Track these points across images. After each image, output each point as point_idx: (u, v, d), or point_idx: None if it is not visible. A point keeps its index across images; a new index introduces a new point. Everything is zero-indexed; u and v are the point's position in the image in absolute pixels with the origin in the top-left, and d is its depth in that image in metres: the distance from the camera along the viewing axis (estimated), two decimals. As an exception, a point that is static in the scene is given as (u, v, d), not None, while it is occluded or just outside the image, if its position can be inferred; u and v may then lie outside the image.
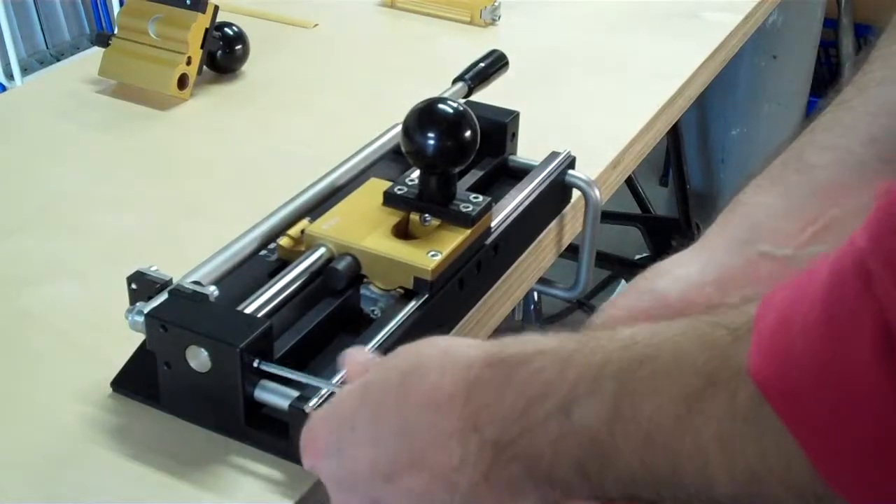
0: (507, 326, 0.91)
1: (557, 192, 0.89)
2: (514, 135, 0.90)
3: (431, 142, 0.71)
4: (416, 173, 0.76)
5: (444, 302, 0.72)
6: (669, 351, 0.40)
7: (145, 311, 0.63)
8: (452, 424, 0.45)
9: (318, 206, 0.78)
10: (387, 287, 0.72)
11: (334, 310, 0.70)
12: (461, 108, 0.72)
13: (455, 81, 0.91)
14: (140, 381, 0.67)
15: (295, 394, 0.61)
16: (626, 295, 0.57)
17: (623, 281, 2.27)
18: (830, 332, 0.34)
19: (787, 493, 0.36)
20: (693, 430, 0.38)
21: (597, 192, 0.88)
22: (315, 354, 0.68)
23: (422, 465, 0.46)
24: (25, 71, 2.66)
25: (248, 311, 0.66)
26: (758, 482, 0.37)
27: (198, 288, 0.65)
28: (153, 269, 0.67)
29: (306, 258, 0.72)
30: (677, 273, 0.56)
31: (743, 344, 0.37)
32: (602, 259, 2.01)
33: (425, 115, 0.72)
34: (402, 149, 0.73)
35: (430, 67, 1.18)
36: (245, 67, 1.17)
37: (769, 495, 0.37)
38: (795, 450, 0.35)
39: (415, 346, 0.49)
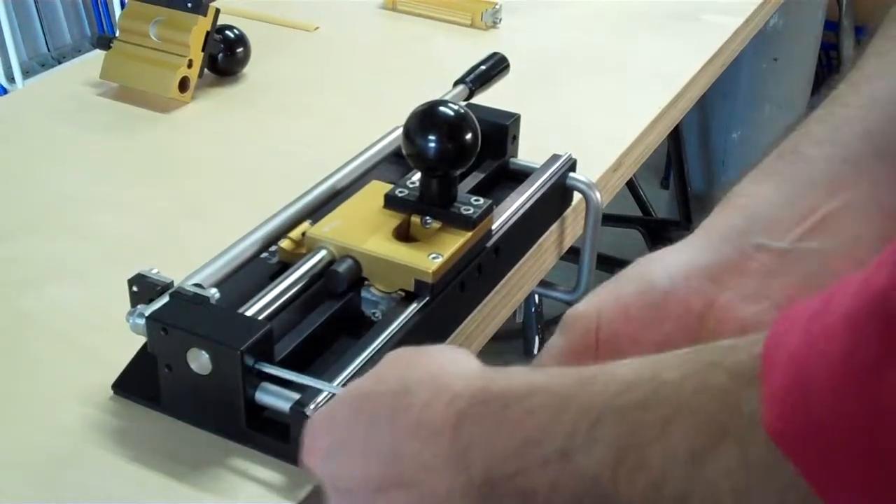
0: (508, 329, 0.91)
1: (558, 195, 0.89)
2: (515, 137, 0.90)
3: (432, 144, 0.71)
4: (416, 176, 0.76)
5: (445, 304, 0.72)
6: (673, 397, 0.38)
7: (146, 314, 0.63)
8: (440, 458, 0.44)
9: (319, 209, 0.78)
10: (388, 290, 0.72)
11: (335, 312, 0.70)
12: (462, 111, 0.72)
13: (456, 84, 0.91)
14: (141, 383, 0.67)
15: (296, 396, 0.61)
16: (615, 281, 0.56)
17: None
18: (854, 388, 0.32)
19: None
20: (705, 481, 0.36)
21: (598, 195, 0.88)
22: (316, 357, 0.68)
23: (410, 489, 0.45)
24: (27, 73, 2.66)
25: (249, 313, 0.66)
26: None
27: (199, 290, 0.65)
28: (154, 271, 0.67)
29: (307, 261, 0.72)
30: (668, 260, 0.55)
31: (752, 392, 0.35)
32: (603, 261, 2.00)
33: (426, 118, 0.72)
34: (403, 151, 0.73)
35: (430, 70, 1.18)
36: (246, 70, 1.17)
37: None
38: None
39: (403, 364, 0.48)
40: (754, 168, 0.57)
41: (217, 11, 1.11)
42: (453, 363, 0.47)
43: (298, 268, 0.71)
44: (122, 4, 2.74)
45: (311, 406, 0.60)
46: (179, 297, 0.65)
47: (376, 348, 0.66)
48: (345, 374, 0.63)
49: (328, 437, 0.50)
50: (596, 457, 0.39)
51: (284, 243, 0.76)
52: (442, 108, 0.72)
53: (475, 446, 0.43)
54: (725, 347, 0.38)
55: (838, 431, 0.32)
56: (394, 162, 0.85)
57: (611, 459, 0.39)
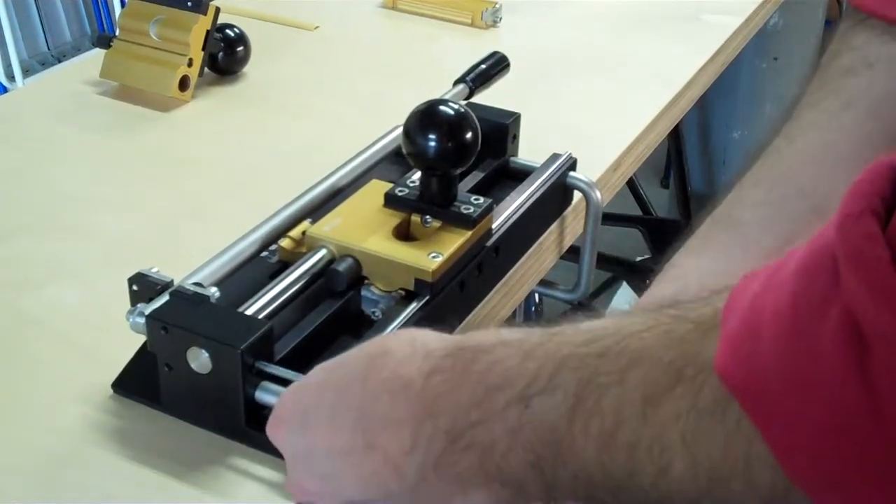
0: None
1: (558, 194, 0.89)
2: (516, 136, 0.90)
3: (432, 143, 0.71)
4: (417, 175, 0.76)
5: (444, 303, 0.72)
6: (635, 346, 0.39)
7: (146, 313, 0.63)
8: (407, 410, 0.45)
9: (320, 208, 0.78)
10: (388, 289, 0.72)
11: (335, 311, 0.70)
12: (462, 110, 0.72)
13: (456, 83, 0.91)
14: (141, 382, 0.67)
15: (296, 395, 0.61)
16: None
17: (624, 283, 2.27)
18: (796, 326, 0.33)
19: (751, 494, 0.35)
20: (656, 425, 0.37)
21: (598, 194, 0.88)
22: (316, 356, 0.68)
23: (374, 449, 0.46)
24: (27, 72, 2.66)
25: (249, 312, 0.66)
26: (721, 483, 0.36)
27: (199, 289, 0.65)
28: (154, 270, 0.67)
29: (307, 260, 0.72)
30: None
31: (710, 339, 0.36)
32: (603, 261, 2.01)
33: (426, 117, 0.72)
34: (404, 150, 0.73)
35: (431, 69, 1.18)
36: (246, 69, 1.17)
37: (731, 498, 0.36)
38: (761, 447, 0.34)
39: (387, 335, 0.51)
40: (691, 237, 0.57)
41: (217, 10, 1.11)
42: (434, 333, 0.48)
43: (298, 267, 0.71)
44: (123, 3, 2.74)
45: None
46: (179, 296, 0.65)
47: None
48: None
49: (295, 408, 0.51)
50: (554, 402, 0.40)
51: (284, 242, 0.76)
52: (442, 108, 0.72)
53: (443, 396, 0.44)
54: (691, 303, 0.39)
55: (781, 371, 0.33)
56: (394, 161, 0.85)
57: (568, 406, 0.40)
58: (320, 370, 0.51)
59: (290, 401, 0.52)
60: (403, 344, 0.47)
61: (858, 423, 0.31)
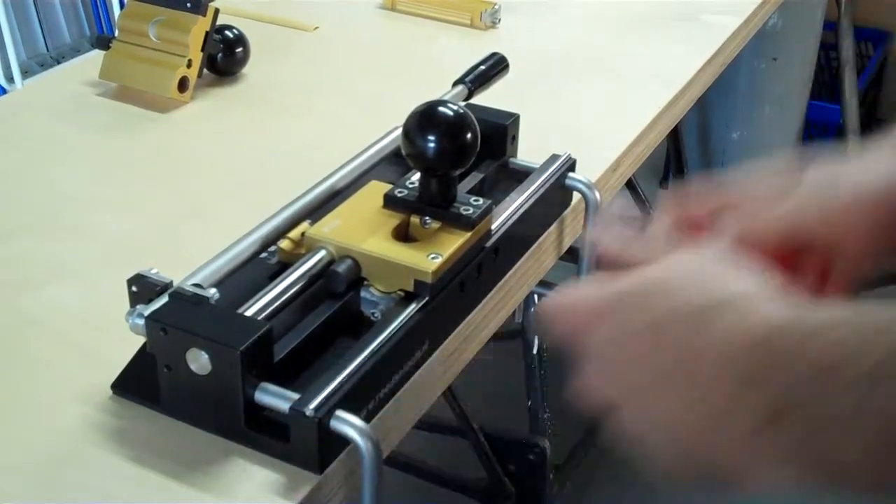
0: (508, 329, 0.91)
1: (558, 195, 0.89)
2: (515, 137, 0.90)
3: (432, 144, 0.71)
4: (416, 176, 0.76)
5: (444, 305, 0.72)
6: None
7: (146, 314, 0.63)
8: (736, 374, 0.45)
9: (319, 209, 0.78)
10: (387, 290, 0.72)
11: (334, 312, 0.70)
12: (461, 111, 0.72)
13: (455, 84, 0.91)
14: (140, 383, 0.67)
15: (295, 396, 0.61)
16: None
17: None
18: None
19: None
20: None
21: (597, 195, 0.88)
22: (315, 357, 0.68)
23: (693, 395, 0.46)
24: (26, 73, 2.66)
25: (248, 313, 0.66)
26: None
27: (198, 290, 0.65)
28: (153, 271, 0.67)
29: (306, 261, 0.72)
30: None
31: None
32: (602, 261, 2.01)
33: (425, 118, 0.72)
34: (403, 151, 0.73)
35: (430, 70, 1.19)
36: (245, 70, 1.17)
37: None
38: None
39: (708, 274, 0.49)
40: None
41: (216, 11, 1.11)
42: (752, 287, 0.48)
43: (297, 268, 0.71)
44: (122, 4, 2.74)
45: (311, 406, 0.60)
46: (179, 297, 0.65)
47: (376, 348, 0.65)
48: (344, 374, 0.63)
49: (611, 311, 0.51)
50: None
51: (284, 243, 0.76)
52: (441, 109, 0.72)
53: (772, 369, 0.44)
54: None
55: None
56: (393, 162, 0.85)
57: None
58: (648, 290, 0.50)
59: (613, 303, 0.51)
60: (730, 300, 0.47)
61: None
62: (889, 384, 0.40)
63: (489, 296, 0.80)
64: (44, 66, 2.76)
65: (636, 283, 0.51)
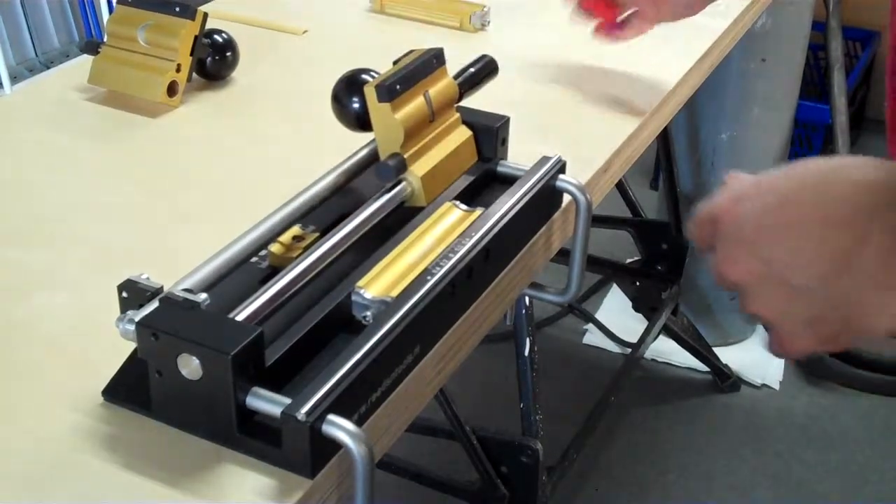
0: (500, 331, 0.91)
1: (548, 197, 0.89)
2: (505, 140, 0.90)
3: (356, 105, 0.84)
4: None
5: (436, 308, 0.72)
6: None
7: (136, 320, 0.63)
8: (868, 202, 0.52)
9: (309, 213, 0.78)
10: (379, 294, 0.72)
11: (326, 316, 0.70)
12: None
13: (445, 87, 0.91)
14: (131, 389, 0.67)
15: (287, 401, 0.61)
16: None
17: (614, 285, 2.27)
18: None
19: None
20: None
21: (587, 197, 0.89)
22: (307, 361, 0.68)
23: (830, 233, 0.53)
24: (14, 79, 2.66)
25: (239, 318, 0.66)
26: None
27: (189, 296, 0.65)
28: (144, 277, 0.67)
29: (297, 265, 0.72)
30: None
31: None
32: (593, 263, 2.01)
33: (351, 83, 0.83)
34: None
35: (419, 73, 1.18)
36: (235, 74, 1.17)
37: None
38: None
39: (826, 160, 0.57)
40: None
41: (205, 16, 1.11)
42: (872, 160, 0.55)
43: (289, 272, 0.71)
44: (111, 9, 2.73)
45: (303, 410, 0.60)
46: (169, 302, 0.65)
47: (367, 352, 0.65)
48: (336, 378, 0.63)
49: (757, 193, 0.58)
50: None
51: (274, 247, 0.76)
52: (363, 76, 0.84)
53: (884, 191, 0.52)
54: None
55: None
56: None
57: None
58: (779, 177, 0.58)
59: (752, 187, 0.59)
60: (850, 164, 0.55)
61: None
62: None
63: (480, 298, 0.80)
64: (32, 71, 2.75)
65: (758, 180, 0.59)
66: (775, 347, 0.60)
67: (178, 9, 1.10)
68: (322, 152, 0.91)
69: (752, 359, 2.22)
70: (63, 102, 1.12)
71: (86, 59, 1.15)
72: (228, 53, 1.15)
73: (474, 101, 0.92)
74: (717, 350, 2.19)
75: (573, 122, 1.09)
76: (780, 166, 0.58)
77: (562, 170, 0.89)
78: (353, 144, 0.86)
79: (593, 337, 2.31)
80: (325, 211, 0.81)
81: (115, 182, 0.97)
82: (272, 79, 1.19)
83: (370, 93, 0.81)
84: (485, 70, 0.93)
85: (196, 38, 1.11)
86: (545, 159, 0.88)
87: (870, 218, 0.52)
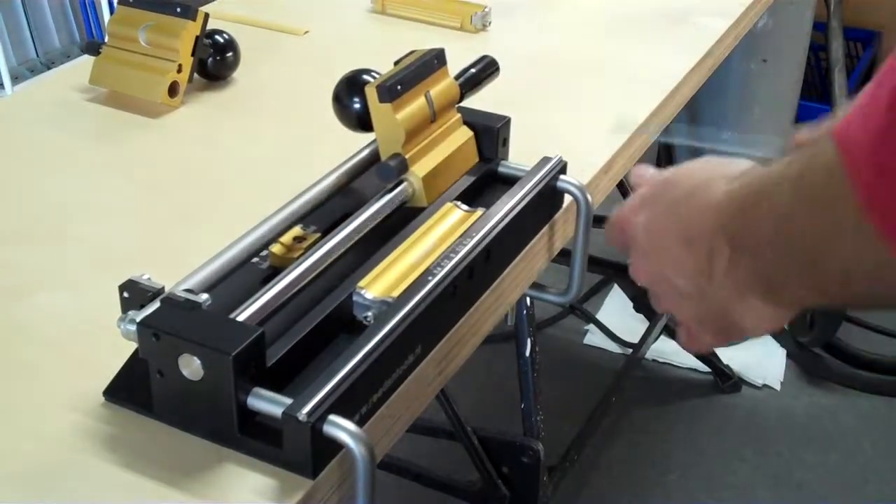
0: (501, 331, 0.91)
1: (549, 198, 0.89)
2: (506, 140, 0.90)
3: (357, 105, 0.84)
4: None
5: (437, 308, 0.72)
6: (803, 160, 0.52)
7: (137, 320, 0.63)
8: (711, 222, 0.59)
9: (310, 214, 0.79)
10: (380, 294, 0.72)
11: (327, 317, 0.70)
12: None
13: (446, 87, 0.91)
14: (133, 389, 0.67)
15: (288, 401, 0.61)
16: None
17: (615, 285, 2.27)
18: (876, 82, 0.46)
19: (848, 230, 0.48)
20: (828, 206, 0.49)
21: (588, 197, 0.89)
22: (308, 361, 0.68)
23: (692, 249, 0.61)
24: (16, 79, 2.66)
25: (240, 318, 0.66)
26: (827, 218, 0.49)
27: (190, 296, 0.65)
28: (145, 277, 0.67)
29: (298, 265, 0.72)
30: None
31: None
32: (594, 263, 2.01)
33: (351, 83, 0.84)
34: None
35: (420, 73, 1.18)
36: (236, 75, 1.17)
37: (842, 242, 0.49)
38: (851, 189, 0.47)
39: (709, 167, 0.63)
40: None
41: (206, 16, 1.11)
42: (737, 166, 0.61)
43: (290, 272, 0.71)
44: (112, 9, 2.73)
45: (304, 411, 0.60)
46: (170, 302, 0.65)
47: (368, 352, 0.65)
48: (337, 378, 0.63)
49: (643, 205, 0.66)
50: (781, 200, 0.53)
51: (275, 248, 0.76)
52: (364, 76, 0.84)
53: (725, 215, 0.58)
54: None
55: (860, 120, 0.47)
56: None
57: (789, 206, 0.52)
58: (663, 183, 0.66)
59: (640, 201, 0.67)
60: (720, 177, 0.60)
61: (890, 143, 0.44)
62: (778, 202, 0.53)
63: (481, 299, 0.80)
64: (34, 71, 2.76)
65: (655, 184, 0.66)
66: (682, 342, 0.68)
67: (179, 9, 1.10)
68: (323, 153, 0.91)
69: (754, 359, 2.22)
70: (64, 103, 1.12)
71: (87, 60, 1.15)
72: (229, 54, 1.15)
73: (475, 101, 0.92)
74: (717, 350, 2.19)
75: (574, 122, 1.09)
76: (678, 166, 0.66)
77: (563, 170, 0.89)
78: (354, 145, 0.86)
79: (594, 337, 2.31)
80: (326, 211, 0.81)
81: (116, 182, 0.97)
82: (273, 79, 1.19)
83: (371, 93, 0.81)
84: (486, 70, 0.93)
85: (197, 38, 1.11)
86: (546, 160, 0.88)
87: (715, 236, 0.58)
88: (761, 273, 0.57)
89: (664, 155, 2.12)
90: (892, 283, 0.49)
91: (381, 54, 1.26)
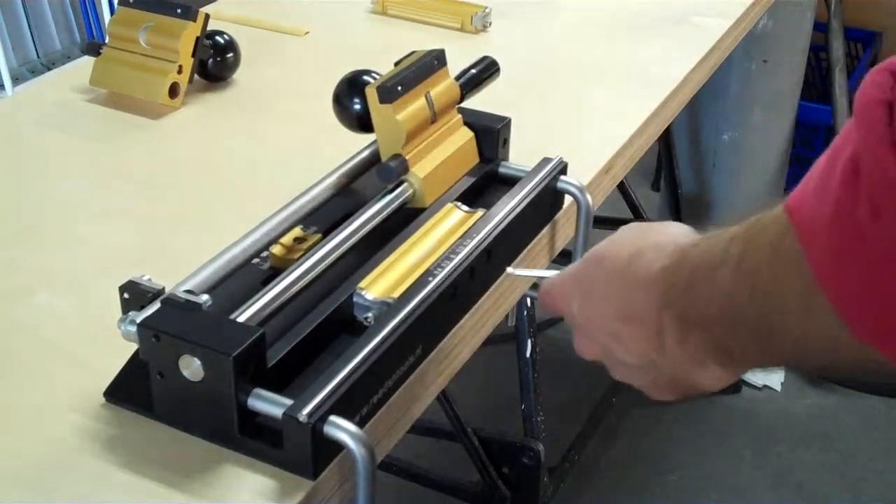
0: (501, 332, 0.91)
1: (549, 198, 0.89)
2: (506, 141, 0.90)
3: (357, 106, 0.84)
4: None
5: (437, 309, 0.72)
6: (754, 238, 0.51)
7: (138, 321, 0.63)
8: (652, 302, 0.57)
9: (311, 215, 0.79)
10: (380, 295, 0.72)
11: (327, 317, 0.70)
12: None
13: (446, 88, 0.91)
14: (133, 390, 0.67)
15: (288, 402, 0.61)
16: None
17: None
18: (830, 154, 0.46)
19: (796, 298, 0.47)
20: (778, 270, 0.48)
21: (589, 198, 0.89)
22: (309, 362, 0.68)
23: (634, 323, 0.59)
24: (16, 80, 2.66)
25: (240, 319, 0.66)
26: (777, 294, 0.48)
27: (190, 297, 0.65)
28: (145, 278, 0.67)
29: (299, 266, 0.72)
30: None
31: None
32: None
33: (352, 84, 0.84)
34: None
35: (421, 74, 1.18)
36: (236, 75, 1.17)
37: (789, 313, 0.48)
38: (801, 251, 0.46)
39: (639, 234, 0.62)
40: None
41: (207, 17, 1.11)
42: (676, 235, 0.60)
43: (290, 273, 0.71)
44: (112, 10, 2.73)
45: (304, 412, 0.60)
46: (171, 303, 0.65)
47: (369, 353, 0.65)
48: (337, 379, 0.63)
49: (576, 287, 0.65)
50: (728, 274, 0.52)
51: (276, 249, 0.76)
52: (364, 77, 0.84)
53: (671, 289, 0.57)
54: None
55: (814, 189, 0.46)
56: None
57: (732, 275, 0.52)
58: (593, 261, 0.63)
59: (572, 284, 0.65)
60: (651, 246, 0.59)
61: (846, 220, 0.43)
62: (720, 271, 0.52)
63: (482, 299, 0.80)
64: (34, 72, 2.76)
65: (588, 259, 0.64)
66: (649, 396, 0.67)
67: (179, 10, 1.10)
68: (323, 154, 0.91)
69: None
70: (64, 104, 1.12)
71: (87, 61, 1.15)
72: (230, 55, 1.15)
73: (476, 102, 0.92)
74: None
75: (574, 122, 1.09)
76: (590, 252, 0.65)
77: (563, 171, 0.89)
78: (355, 146, 0.86)
79: (595, 338, 2.30)
80: (326, 212, 0.81)
81: (116, 183, 0.97)
82: (273, 80, 1.19)
83: (372, 94, 0.81)
84: (486, 71, 0.93)
85: (198, 39, 1.11)
86: (546, 160, 0.88)
87: (659, 312, 0.57)
88: (716, 345, 0.55)
89: (664, 156, 2.12)
90: (850, 358, 0.47)
91: (381, 55, 1.26)
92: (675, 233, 0.60)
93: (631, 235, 0.62)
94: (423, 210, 0.83)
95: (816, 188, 0.46)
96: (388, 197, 0.81)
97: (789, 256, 0.47)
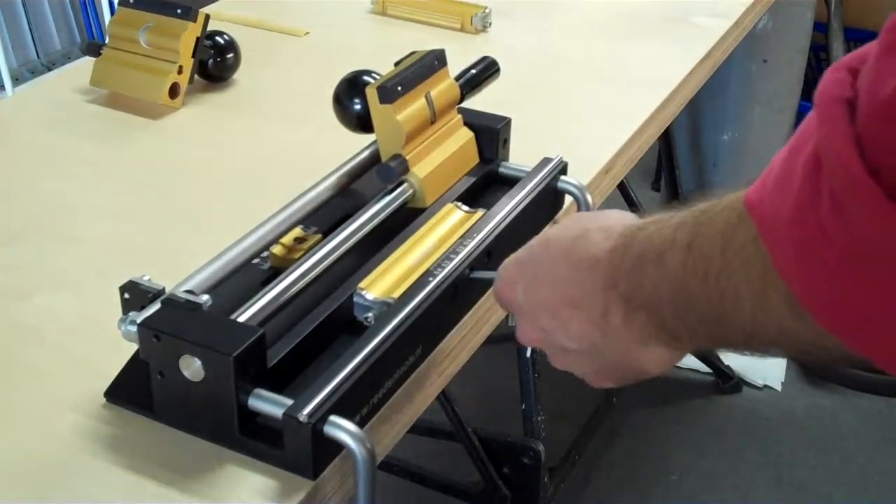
0: (501, 332, 0.91)
1: (550, 198, 0.89)
2: (507, 141, 0.90)
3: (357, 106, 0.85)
4: None
5: (437, 309, 0.72)
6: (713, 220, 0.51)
7: (138, 321, 0.63)
8: (599, 282, 0.57)
9: (311, 215, 0.79)
10: (381, 295, 0.72)
11: (328, 318, 0.70)
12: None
13: (446, 88, 0.91)
14: (133, 390, 0.67)
15: (289, 402, 0.61)
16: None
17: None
18: (789, 159, 0.46)
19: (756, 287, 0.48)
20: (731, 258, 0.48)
21: (589, 198, 0.89)
22: (309, 362, 0.68)
23: (580, 308, 0.59)
24: (16, 81, 2.66)
25: (241, 319, 0.66)
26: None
27: (191, 297, 0.65)
28: (146, 278, 0.67)
29: (299, 266, 0.72)
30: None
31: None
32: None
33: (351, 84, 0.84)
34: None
35: (421, 74, 1.18)
36: (236, 76, 1.17)
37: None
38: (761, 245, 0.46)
39: (586, 219, 0.62)
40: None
41: (207, 17, 1.11)
42: (622, 218, 0.60)
43: (290, 273, 0.71)
44: (112, 11, 2.73)
45: (304, 412, 0.60)
46: (171, 303, 0.65)
47: (369, 353, 0.65)
48: (338, 379, 0.63)
49: (520, 274, 0.64)
50: (676, 257, 0.52)
51: (276, 249, 0.76)
52: (364, 77, 0.85)
53: (616, 269, 0.57)
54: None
55: (774, 183, 0.46)
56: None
57: (682, 257, 0.52)
58: (538, 245, 0.64)
59: (516, 270, 0.65)
60: (597, 229, 0.59)
61: (808, 216, 0.43)
62: (669, 253, 0.52)
63: (482, 300, 0.80)
64: (34, 73, 2.76)
65: (532, 244, 0.65)
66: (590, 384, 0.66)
67: (179, 10, 1.10)
68: (323, 154, 0.91)
69: (754, 360, 2.22)
70: (65, 104, 1.12)
71: (87, 61, 1.15)
72: (230, 55, 1.15)
73: (476, 102, 0.92)
74: (718, 351, 2.19)
75: (575, 123, 1.09)
76: (536, 237, 0.65)
77: (563, 171, 0.89)
78: (355, 146, 0.86)
79: (595, 338, 2.30)
80: (326, 212, 0.81)
81: (116, 183, 0.97)
82: (274, 80, 1.19)
83: (372, 94, 0.81)
84: (486, 71, 0.93)
85: (198, 39, 1.11)
86: (547, 160, 0.88)
87: (603, 294, 0.57)
88: (663, 327, 0.55)
89: (664, 156, 2.12)
90: (803, 343, 0.48)
91: (381, 55, 1.27)
92: (622, 217, 0.61)
93: (575, 221, 0.63)
94: (423, 210, 0.83)
95: (776, 185, 0.46)
96: (388, 197, 0.81)
97: (743, 247, 0.48)
